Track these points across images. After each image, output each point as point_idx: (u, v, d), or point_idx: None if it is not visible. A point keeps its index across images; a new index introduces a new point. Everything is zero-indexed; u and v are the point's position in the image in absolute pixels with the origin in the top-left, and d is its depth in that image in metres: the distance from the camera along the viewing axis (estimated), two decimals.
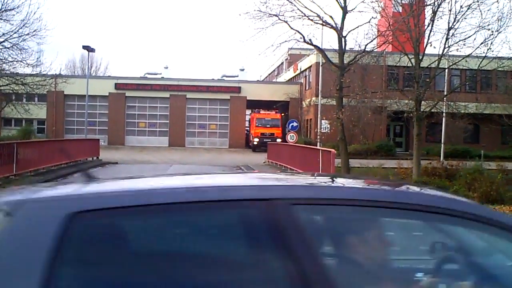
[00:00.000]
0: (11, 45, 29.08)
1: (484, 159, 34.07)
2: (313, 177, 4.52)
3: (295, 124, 39.76)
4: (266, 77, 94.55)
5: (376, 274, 3.15)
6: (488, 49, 23.51)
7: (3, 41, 28.86)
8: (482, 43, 23.65)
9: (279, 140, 50.30)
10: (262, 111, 58.29)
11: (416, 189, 3.88)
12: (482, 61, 24.69)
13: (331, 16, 25.22)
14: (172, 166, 33.22)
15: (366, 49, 25.40)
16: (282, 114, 60.91)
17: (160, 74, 72.04)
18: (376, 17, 26.00)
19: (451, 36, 24.36)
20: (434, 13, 24.37)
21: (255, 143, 54.63)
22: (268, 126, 55.47)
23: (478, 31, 23.78)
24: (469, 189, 21.65)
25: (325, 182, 4.13)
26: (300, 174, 7.57)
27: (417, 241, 4.45)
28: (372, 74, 34.72)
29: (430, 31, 24.95)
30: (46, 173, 24.83)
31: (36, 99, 54.14)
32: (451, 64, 27.21)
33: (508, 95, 42.61)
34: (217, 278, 2.74)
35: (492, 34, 23.29)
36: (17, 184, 20.08)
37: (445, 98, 28.26)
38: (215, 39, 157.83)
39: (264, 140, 52.02)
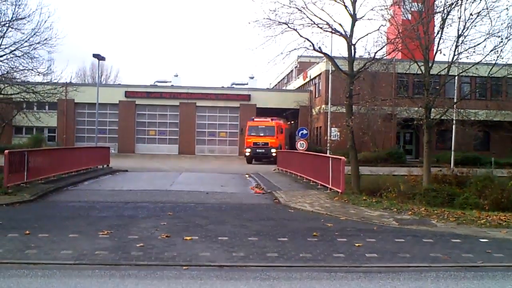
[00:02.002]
0: (22, 53, 29.20)
1: (495, 166, 33.99)
2: None
3: (305, 132, 39.77)
4: (275, 85, 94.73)
5: None
6: (498, 56, 23.44)
7: (14, 50, 28.99)
8: (492, 50, 23.60)
9: (273, 150, 47.43)
10: (256, 119, 53.01)
11: None
12: (492, 68, 24.62)
13: (340, 24, 25.25)
14: (182, 173, 33.27)
15: (376, 57, 25.36)
16: (291, 122, 60.60)
17: (170, 82, 72.36)
18: (385, 25, 25.99)
19: (461, 43, 24.32)
20: (444, 20, 24.34)
21: (247, 154, 50.07)
22: (261, 134, 49.84)
23: (488, 38, 23.72)
24: (480, 197, 21.58)
25: None
26: None
27: None
28: (382, 82, 34.77)
29: (440, 38, 24.91)
30: (57, 181, 24.92)
31: (46, 107, 54.50)
32: (461, 71, 27.10)
33: None
34: None
35: (502, 42, 23.22)
36: (28, 192, 20.19)
37: (455, 105, 28.22)
38: (224, 47, 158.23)
39: (257, 150, 49.09)
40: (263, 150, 48.57)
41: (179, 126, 60.79)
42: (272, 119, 51.77)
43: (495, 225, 14.93)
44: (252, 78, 75.47)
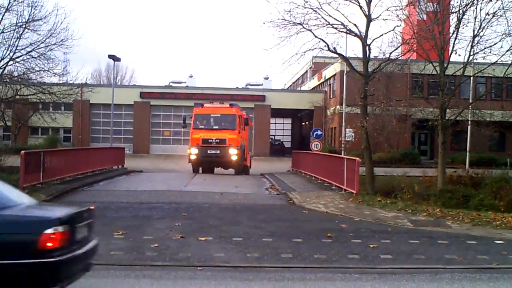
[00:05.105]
0: (38, 55, 29.45)
1: (510, 167, 33.79)
2: None
3: (319, 132, 39.48)
4: (290, 86, 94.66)
5: None
6: None
7: (31, 51, 29.24)
8: (508, 50, 23.52)
9: (233, 151, 32.58)
10: (207, 104, 36.05)
11: None
12: (508, 68, 24.54)
13: (355, 25, 25.25)
14: (196, 174, 33.23)
15: (391, 57, 25.36)
16: (305, 123, 60.01)
17: (185, 83, 72.43)
18: (400, 25, 25.97)
19: (476, 43, 24.26)
20: (459, 20, 24.28)
21: (192, 157, 33.29)
22: (215, 127, 33.71)
23: (503, 38, 23.66)
24: (495, 198, 21.51)
25: None
26: None
27: None
28: (397, 82, 34.64)
29: (455, 38, 24.86)
30: (72, 181, 25.00)
31: (62, 108, 54.84)
32: (476, 71, 27.03)
33: None
34: None
35: None
36: (44, 192, 20.31)
37: (470, 106, 28.10)
38: (239, 48, 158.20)
39: (208, 151, 32.74)
40: (218, 152, 32.69)
41: None
42: (231, 105, 35.46)
43: (511, 227, 14.84)
44: (266, 78, 75.41)
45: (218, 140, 32.54)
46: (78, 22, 74.04)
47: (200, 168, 34.03)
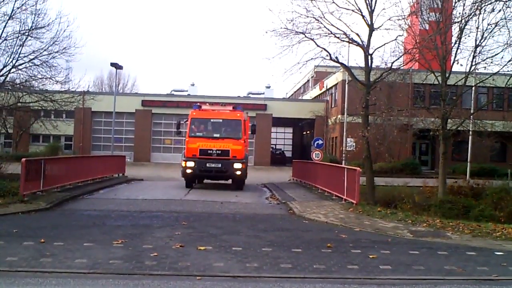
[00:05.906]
0: (41, 62, 29.47)
1: (511, 178, 33.77)
2: None
3: (320, 142, 39.38)
4: (292, 95, 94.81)
5: None
6: None
7: (33, 59, 29.26)
8: (509, 60, 23.53)
9: (238, 165, 28.21)
10: (206, 106, 31.25)
11: None
12: (509, 79, 24.53)
13: (357, 34, 25.33)
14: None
15: (393, 67, 25.39)
16: (306, 132, 59.85)
17: (186, 91, 72.58)
18: (402, 35, 26.05)
19: (478, 53, 24.30)
20: (461, 30, 24.33)
21: (188, 170, 28.42)
22: (216, 135, 28.79)
23: (505, 48, 23.67)
24: (496, 209, 21.50)
25: None
26: None
27: None
28: (398, 92, 34.67)
29: (457, 48, 24.91)
30: (73, 189, 24.99)
31: (64, 115, 54.87)
32: (478, 82, 27.07)
33: None
34: None
35: None
36: (44, 200, 20.29)
37: (471, 116, 28.12)
38: (241, 57, 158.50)
39: (208, 164, 28.06)
40: (219, 165, 28.08)
41: None
42: (234, 108, 30.66)
43: (511, 238, 14.80)
44: (268, 87, 75.54)
45: (220, 151, 28.00)
46: (81, 30, 74.62)
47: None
